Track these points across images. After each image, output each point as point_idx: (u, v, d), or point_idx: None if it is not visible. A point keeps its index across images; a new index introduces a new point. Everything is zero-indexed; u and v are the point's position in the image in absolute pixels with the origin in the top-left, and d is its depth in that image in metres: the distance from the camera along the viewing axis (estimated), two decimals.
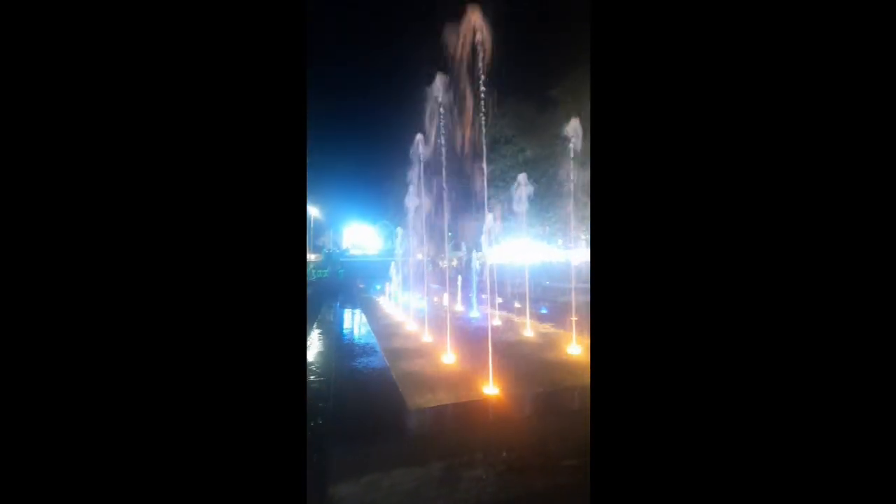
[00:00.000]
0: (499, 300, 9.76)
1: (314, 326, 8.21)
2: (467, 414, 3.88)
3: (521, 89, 23.42)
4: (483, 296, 10.96)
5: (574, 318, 6.50)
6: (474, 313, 10.58)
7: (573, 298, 7.44)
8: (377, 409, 4.02)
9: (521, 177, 11.09)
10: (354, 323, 9.88)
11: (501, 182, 24.43)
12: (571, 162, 8.30)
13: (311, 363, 5.36)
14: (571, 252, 24.56)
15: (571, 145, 7.86)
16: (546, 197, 23.41)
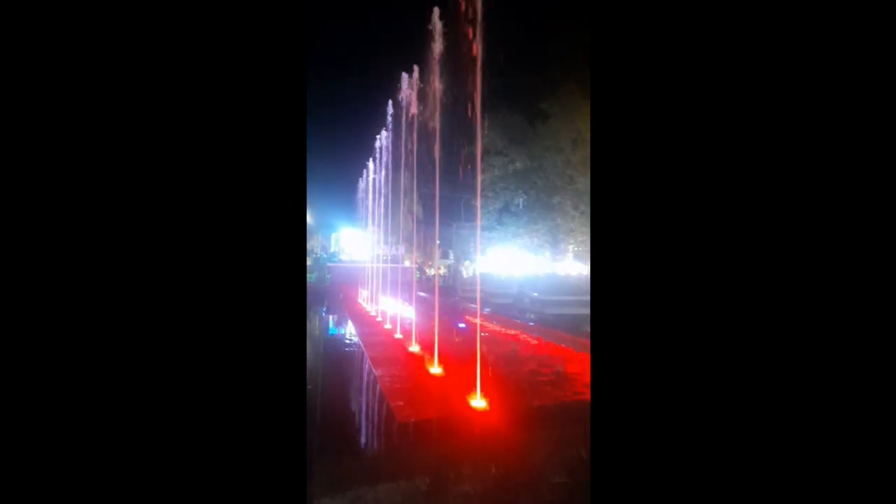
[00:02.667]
0: (486, 310, 9.77)
1: None
2: (454, 427, 3.85)
3: (512, 101, 23.68)
4: (472, 305, 10.97)
5: (561, 332, 6.52)
6: (462, 323, 10.56)
7: (561, 311, 7.48)
8: (364, 419, 3.97)
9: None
10: (340, 330, 9.77)
11: (491, 192, 24.55)
12: (561, 174, 8.42)
13: None
14: (559, 264, 24.75)
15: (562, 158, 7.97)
16: (535, 208, 23.59)
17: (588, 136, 20.07)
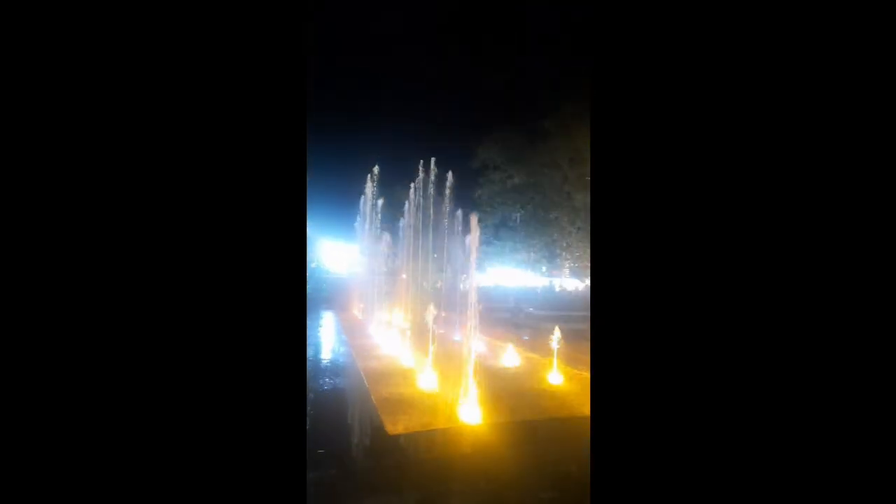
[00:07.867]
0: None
1: None
2: (445, 441, 3.82)
3: (512, 118, 23.95)
4: (466, 318, 10.91)
5: (556, 347, 6.49)
6: (457, 336, 10.51)
7: (556, 326, 7.46)
8: (355, 432, 3.93)
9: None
10: (334, 341, 9.72)
11: (488, 207, 24.63)
12: (559, 191, 8.48)
13: None
14: (555, 280, 24.77)
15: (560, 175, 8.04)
16: (531, 224, 23.68)
17: (586, 154, 20.38)
